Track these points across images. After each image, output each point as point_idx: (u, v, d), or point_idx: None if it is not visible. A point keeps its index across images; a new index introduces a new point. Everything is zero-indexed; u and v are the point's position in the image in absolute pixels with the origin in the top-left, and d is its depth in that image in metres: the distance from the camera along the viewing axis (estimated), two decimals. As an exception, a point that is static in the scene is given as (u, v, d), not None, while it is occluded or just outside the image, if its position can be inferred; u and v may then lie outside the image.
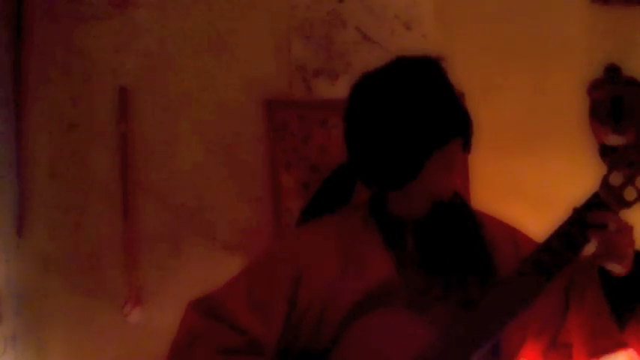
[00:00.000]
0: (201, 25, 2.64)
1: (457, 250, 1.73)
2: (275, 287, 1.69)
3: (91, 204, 2.60)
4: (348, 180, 1.88)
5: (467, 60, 2.56)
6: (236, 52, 2.64)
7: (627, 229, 1.63)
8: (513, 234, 1.82)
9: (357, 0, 2.66)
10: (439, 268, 1.70)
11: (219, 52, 2.64)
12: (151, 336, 2.48)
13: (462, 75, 2.47)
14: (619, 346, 1.68)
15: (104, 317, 2.56)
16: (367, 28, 2.66)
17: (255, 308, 1.68)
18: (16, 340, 2.57)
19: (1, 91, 2.58)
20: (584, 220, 1.61)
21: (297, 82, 2.64)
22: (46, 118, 2.62)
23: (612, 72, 2.62)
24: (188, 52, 2.63)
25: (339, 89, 2.61)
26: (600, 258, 1.63)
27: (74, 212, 2.60)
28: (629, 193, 1.64)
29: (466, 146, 1.77)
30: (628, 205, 1.64)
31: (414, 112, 1.70)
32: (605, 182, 1.64)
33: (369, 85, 1.76)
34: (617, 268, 1.63)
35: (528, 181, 2.63)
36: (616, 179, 1.65)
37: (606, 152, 2.54)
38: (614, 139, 2.54)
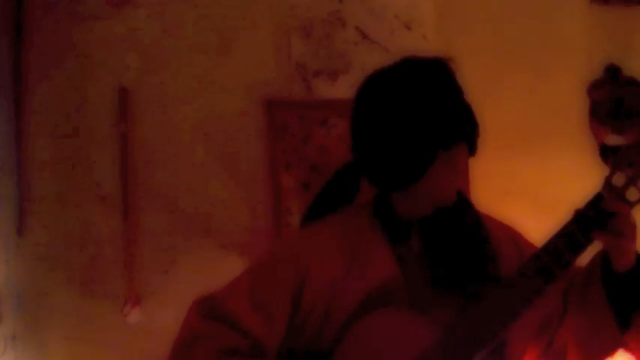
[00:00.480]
0: (201, 25, 2.64)
1: (462, 251, 1.72)
2: (278, 289, 1.69)
3: (91, 204, 2.60)
4: (353, 179, 1.88)
5: (467, 60, 2.55)
6: (236, 52, 2.64)
7: (632, 223, 1.63)
8: (515, 236, 1.82)
9: (357, 0, 2.66)
10: (444, 268, 1.70)
11: (219, 52, 2.64)
12: (151, 336, 2.48)
13: (462, 75, 2.47)
14: (618, 347, 1.68)
15: (104, 317, 2.56)
16: (367, 28, 2.66)
17: (257, 309, 1.67)
18: (16, 340, 2.57)
19: (1, 91, 2.58)
20: (586, 221, 1.61)
21: (297, 82, 2.64)
22: (46, 118, 2.62)
23: (612, 72, 2.62)
24: (188, 52, 2.63)
25: (339, 89, 2.61)
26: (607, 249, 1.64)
27: (74, 212, 2.60)
28: (632, 194, 1.64)
29: (472, 149, 1.76)
30: (631, 205, 1.64)
31: (421, 114, 1.69)
32: (607, 183, 1.64)
33: (377, 86, 1.75)
34: (622, 261, 1.63)
35: (528, 181, 2.63)
36: (618, 180, 1.65)
37: (606, 152, 2.54)
38: (614, 139, 2.54)
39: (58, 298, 2.59)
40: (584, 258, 1.70)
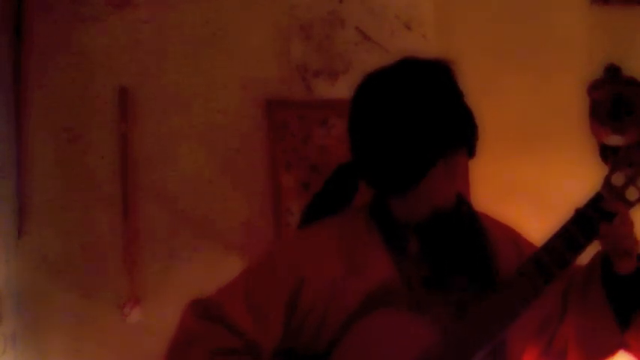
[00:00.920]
0: (201, 25, 2.64)
1: (460, 254, 1.71)
2: (275, 291, 1.68)
3: (91, 204, 2.60)
4: (351, 178, 1.87)
5: (467, 60, 2.54)
6: (236, 52, 2.64)
7: (630, 224, 1.63)
8: (514, 237, 1.81)
9: (357, 0, 2.66)
10: (442, 271, 1.69)
11: (220, 52, 2.64)
12: (151, 336, 2.48)
13: (462, 75, 2.47)
14: (618, 346, 1.68)
15: (104, 317, 2.56)
16: (367, 28, 2.66)
17: (253, 311, 1.66)
18: (16, 340, 2.57)
19: (1, 91, 2.58)
20: (586, 221, 1.61)
21: (297, 82, 2.64)
22: (46, 118, 2.61)
23: (612, 72, 2.62)
24: (188, 52, 2.63)
25: (339, 89, 2.61)
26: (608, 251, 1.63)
27: (74, 212, 2.60)
28: (631, 193, 1.64)
29: (471, 152, 1.75)
30: (630, 205, 1.64)
31: (420, 118, 1.67)
32: (607, 182, 1.64)
33: (376, 87, 1.72)
34: (624, 263, 1.63)
35: (528, 181, 2.63)
36: (618, 179, 1.64)
37: (606, 152, 2.55)
38: (614, 139, 2.55)
39: (58, 298, 2.59)
40: (585, 257, 1.70)
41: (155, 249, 2.58)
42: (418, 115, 1.67)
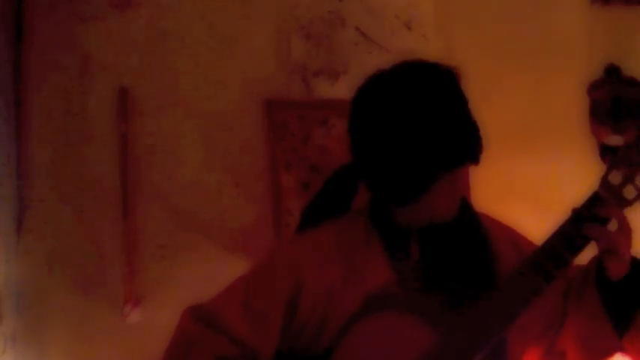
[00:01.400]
0: (201, 25, 2.64)
1: (461, 259, 1.69)
2: (273, 296, 1.66)
3: (91, 204, 2.60)
4: (351, 181, 1.84)
5: (467, 60, 2.55)
6: (236, 52, 2.64)
7: (627, 228, 1.61)
8: (516, 238, 1.80)
9: (357, 0, 2.66)
10: (442, 276, 1.67)
11: (219, 52, 2.64)
12: (151, 336, 2.47)
13: (462, 75, 2.47)
14: (615, 349, 1.67)
15: (104, 317, 2.56)
16: (367, 28, 2.66)
17: (251, 318, 1.65)
18: (16, 340, 2.57)
19: (0, 90, 2.58)
20: (584, 220, 1.60)
21: (297, 82, 2.64)
22: (46, 118, 2.61)
23: (612, 72, 2.62)
24: (188, 52, 2.63)
25: (339, 89, 2.61)
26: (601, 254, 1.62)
27: (74, 212, 2.60)
28: (629, 192, 1.62)
29: (475, 161, 1.71)
30: (628, 203, 1.62)
31: (425, 132, 1.62)
32: (604, 181, 1.63)
33: (379, 92, 1.67)
34: (615, 267, 1.61)
35: (528, 181, 2.63)
36: (615, 178, 1.63)
37: (606, 152, 2.55)
38: (613, 139, 2.55)
39: (58, 298, 2.58)
40: (587, 255, 1.69)
41: (155, 249, 2.58)
42: (423, 127, 1.62)
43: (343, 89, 2.59)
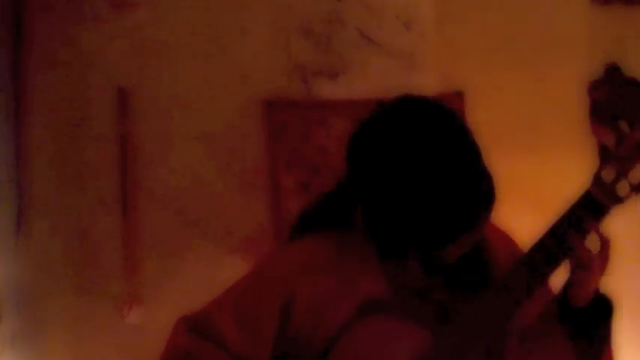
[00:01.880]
0: (201, 25, 2.64)
1: (461, 271, 1.67)
2: (265, 306, 1.63)
3: (90, 204, 2.60)
4: (350, 204, 1.77)
5: (467, 60, 2.56)
6: (236, 52, 2.64)
7: (607, 251, 1.59)
8: (514, 250, 1.78)
9: (357, 0, 2.66)
10: (439, 287, 1.65)
11: (219, 52, 2.64)
12: (150, 337, 2.47)
13: (462, 75, 2.48)
14: None
15: (104, 318, 2.56)
16: (367, 28, 2.66)
17: (244, 327, 1.63)
18: (16, 340, 2.57)
19: (1, 90, 2.58)
20: (576, 219, 1.59)
21: (297, 82, 2.64)
22: (46, 118, 2.62)
23: (612, 72, 2.62)
24: (188, 52, 2.63)
25: (339, 89, 2.61)
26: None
27: (74, 212, 2.60)
28: (622, 189, 1.61)
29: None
30: (621, 200, 1.60)
31: (439, 200, 1.50)
32: (596, 178, 1.62)
33: (384, 145, 1.53)
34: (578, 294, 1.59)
35: (528, 181, 2.63)
36: (608, 175, 1.62)
37: (606, 152, 2.55)
38: (613, 139, 2.55)
39: (58, 298, 2.59)
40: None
41: (155, 249, 2.59)
42: (436, 195, 1.51)
43: (343, 89, 2.59)
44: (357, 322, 1.59)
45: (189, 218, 2.60)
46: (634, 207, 1.62)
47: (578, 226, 1.57)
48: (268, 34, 2.64)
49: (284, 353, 1.65)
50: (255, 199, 2.61)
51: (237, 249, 2.56)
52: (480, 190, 1.59)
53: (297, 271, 1.66)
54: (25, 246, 2.59)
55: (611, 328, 1.62)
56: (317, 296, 1.62)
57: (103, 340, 2.56)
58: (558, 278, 1.60)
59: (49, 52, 2.62)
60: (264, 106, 2.62)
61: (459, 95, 2.57)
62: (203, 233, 2.60)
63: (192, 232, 2.60)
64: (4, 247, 2.56)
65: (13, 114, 2.60)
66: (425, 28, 2.67)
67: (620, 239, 1.65)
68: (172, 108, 2.62)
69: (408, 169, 1.51)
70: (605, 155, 1.64)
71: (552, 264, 1.58)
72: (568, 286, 1.60)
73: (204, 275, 2.49)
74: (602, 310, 1.61)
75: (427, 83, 2.59)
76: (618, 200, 1.58)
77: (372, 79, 2.61)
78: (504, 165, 2.58)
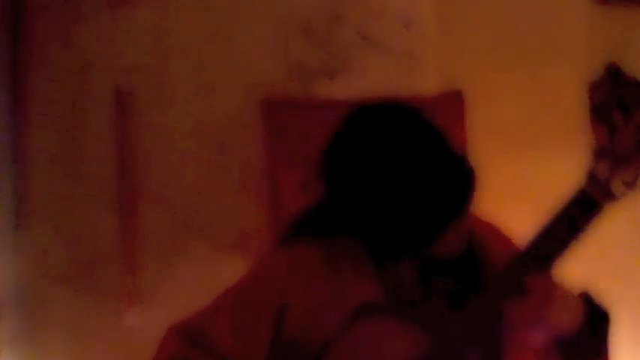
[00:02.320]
0: (201, 25, 2.64)
1: (457, 276, 1.66)
2: (259, 313, 1.63)
3: (90, 204, 2.60)
4: (334, 217, 1.77)
5: (467, 60, 2.55)
6: (235, 52, 2.64)
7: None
8: (510, 249, 1.77)
9: (357, 0, 2.66)
10: (434, 291, 1.65)
11: (219, 52, 2.64)
12: (150, 338, 2.47)
13: (462, 75, 2.48)
14: None
15: (103, 318, 2.56)
16: (367, 28, 2.66)
17: (237, 335, 1.62)
18: (15, 340, 2.57)
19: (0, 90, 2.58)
20: (570, 217, 1.58)
21: (296, 82, 2.64)
22: (45, 117, 2.62)
23: (612, 72, 2.61)
24: (187, 52, 2.63)
25: (339, 89, 2.61)
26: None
27: (73, 213, 2.60)
28: (616, 186, 1.60)
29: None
30: (615, 198, 1.59)
31: (420, 193, 1.55)
32: (591, 176, 1.61)
33: (375, 151, 1.59)
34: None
35: (528, 181, 2.63)
36: (602, 172, 1.61)
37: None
38: (608, 137, 2.54)
39: (57, 298, 2.59)
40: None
41: (154, 249, 2.59)
42: (414, 193, 1.56)
43: (343, 89, 2.59)
44: (352, 323, 1.59)
45: (189, 219, 2.60)
46: (634, 207, 1.62)
47: (571, 224, 1.57)
48: (268, 34, 2.64)
49: (280, 356, 1.65)
50: (254, 200, 2.61)
51: (237, 249, 2.56)
52: (457, 177, 1.61)
53: (290, 275, 1.65)
54: (24, 246, 2.59)
55: (607, 340, 1.60)
56: (312, 299, 1.62)
57: (102, 341, 2.56)
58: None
59: (48, 51, 2.62)
60: (263, 106, 2.62)
61: (459, 95, 2.58)
62: (203, 234, 2.60)
63: (191, 232, 2.60)
64: (3, 247, 2.56)
65: (12, 113, 2.60)
66: (425, 28, 2.67)
67: (620, 239, 1.65)
68: (172, 108, 2.62)
69: (386, 172, 1.57)
70: (600, 152, 1.63)
71: (546, 261, 1.57)
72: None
73: (204, 276, 2.49)
74: (597, 325, 1.58)
75: (427, 83, 2.59)
76: (612, 197, 1.57)
77: (372, 79, 2.61)
78: (504, 164, 2.60)
